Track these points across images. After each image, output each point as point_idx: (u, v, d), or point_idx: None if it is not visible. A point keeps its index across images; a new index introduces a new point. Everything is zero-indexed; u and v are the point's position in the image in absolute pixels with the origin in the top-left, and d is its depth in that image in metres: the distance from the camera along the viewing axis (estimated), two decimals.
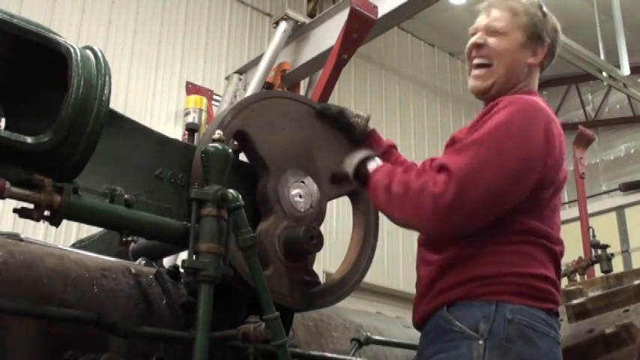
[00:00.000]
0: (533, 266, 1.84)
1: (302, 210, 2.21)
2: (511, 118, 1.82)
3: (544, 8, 2.08)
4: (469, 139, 1.85)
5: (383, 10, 5.51)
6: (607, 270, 5.02)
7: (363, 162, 2.11)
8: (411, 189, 1.83)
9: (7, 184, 1.59)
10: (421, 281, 1.97)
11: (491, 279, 1.80)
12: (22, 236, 2.18)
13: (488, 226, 1.82)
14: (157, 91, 8.95)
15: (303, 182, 2.24)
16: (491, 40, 2.02)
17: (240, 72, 7.77)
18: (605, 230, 9.05)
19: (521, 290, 1.80)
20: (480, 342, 1.73)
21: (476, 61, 2.06)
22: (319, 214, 2.27)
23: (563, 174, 1.95)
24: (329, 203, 2.36)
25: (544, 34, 2.04)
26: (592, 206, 8.63)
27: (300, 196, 2.22)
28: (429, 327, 1.88)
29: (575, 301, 3.04)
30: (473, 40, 2.07)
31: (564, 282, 5.58)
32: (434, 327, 1.86)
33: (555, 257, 1.92)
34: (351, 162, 2.12)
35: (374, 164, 2.09)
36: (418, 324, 1.97)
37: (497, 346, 1.72)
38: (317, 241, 2.11)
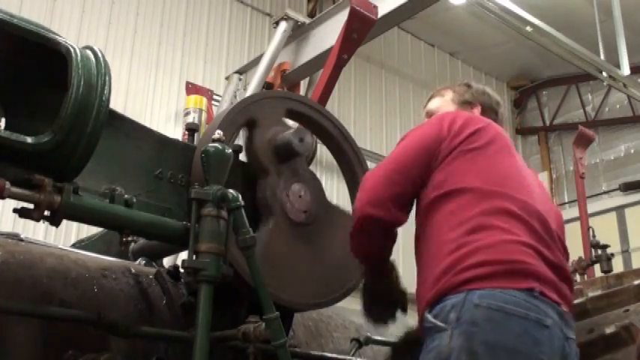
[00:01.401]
0: (494, 235, 1.81)
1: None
2: (412, 132, 2.12)
3: (470, 82, 2.46)
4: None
5: (383, 10, 5.51)
6: (607, 270, 5.02)
7: None
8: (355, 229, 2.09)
9: (7, 184, 1.59)
10: (416, 291, 2.01)
11: (456, 266, 1.80)
12: (22, 236, 2.18)
13: (441, 211, 1.91)
14: (157, 91, 8.95)
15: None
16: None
17: (240, 72, 7.78)
18: (605, 230, 9.05)
19: (489, 270, 1.76)
20: (449, 330, 1.75)
21: None
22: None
23: (482, 135, 2.01)
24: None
25: (472, 98, 2.38)
26: (592, 206, 8.63)
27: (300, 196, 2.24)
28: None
29: (575, 301, 3.04)
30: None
31: None
32: (424, 331, 1.88)
33: (523, 220, 1.86)
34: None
35: None
36: (421, 336, 1.96)
37: (463, 332, 1.72)
38: (306, 141, 2.27)
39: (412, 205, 2.05)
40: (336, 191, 8.32)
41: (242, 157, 2.31)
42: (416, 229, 2.04)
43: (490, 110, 2.37)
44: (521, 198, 1.90)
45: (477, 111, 2.32)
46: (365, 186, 2.03)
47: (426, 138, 2.03)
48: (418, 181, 1.99)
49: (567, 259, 2.03)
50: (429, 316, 1.83)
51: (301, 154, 2.32)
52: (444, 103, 2.39)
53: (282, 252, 2.19)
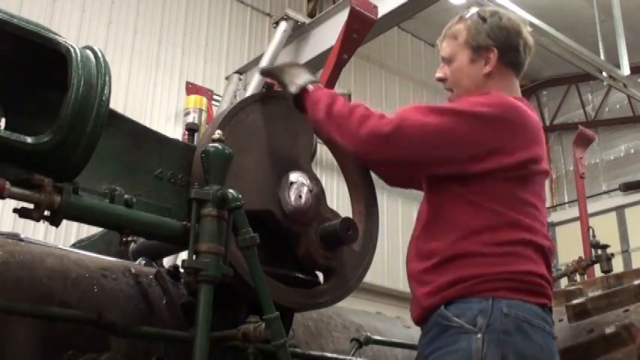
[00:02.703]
0: (524, 264, 1.89)
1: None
2: (461, 105, 1.99)
3: (485, 13, 2.16)
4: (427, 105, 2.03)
5: (383, 10, 5.52)
6: (607, 270, 5.01)
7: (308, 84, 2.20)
8: (356, 113, 2.01)
9: (7, 184, 1.59)
10: (417, 277, 1.99)
11: (486, 277, 1.85)
12: (22, 236, 2.18)
13: (478, 220, 1.91)
14: (157, 91, 8.95)
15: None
16: (447, 70, 2.19)
17: (240, 72, 7.78)
18: (605, 230, 9.04)
19: (516, 286, 1.85)
20: (479, 335, 1.77)
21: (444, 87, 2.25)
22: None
23: (535, 166, 1.99)
24: (329, 195, 2.40)
25: (487, 41, 2.11)
26: (592, 206, 8.62)
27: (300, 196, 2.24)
28: (429, 325, 1.91)
29: (575, 301, 3.04)
30: (436, 75, 2.25)
31: (564, 282, 5.59)
32: (433, 325, 1.88)
33: (544, 252, 1.95)
34: (297, 82, 2.20)
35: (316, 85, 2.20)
36: (417, 321, 2.00)
37: (495, 339, 1.77)
38: (353, 233, 2.23)
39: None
40: (336, 191, 8.33)
41: None
42: (431, 209, 2.03)
43: (510, 50, 2.12)
44: (541, 230, 1.97)
45: (493, 57, 2.10)
46: (400, 132, 1.93)
47: (477, 143, 1.93)
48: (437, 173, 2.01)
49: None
50: (449, 314, 1.84)
51: (348, 245, 2.28)
52: (458, 48, 2.15)
53: None
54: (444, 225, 1.96)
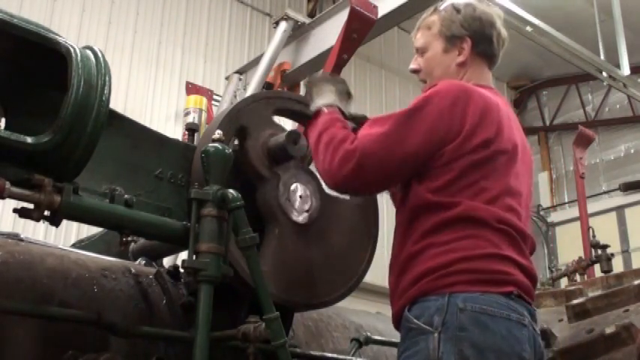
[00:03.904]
0: (481, 247, 1.86)
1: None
2: (417, 103, 1.97)
3: (459, 4, 2.16)
4: (386, 115, 2.02)
5: (383, 10, 5.51)
6: (607, 270, 5.02)
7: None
8: (331, 146, 1.98)
9: (7, 184, 1.59)
10: (389, 281, 2.02)
11: (441, 270, 1.84)
12: (22, 236, 2.18)
13: (432, 216, 1.90)
14: (157, 91, 8.95)
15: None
16: (420, 60, 2.20)
17: (240, 72, 7.77)
18: (605, 230, 9.05)
19: (473, 278, 1.82)
20: (435, 335, 1.78)
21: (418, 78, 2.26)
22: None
23: (494, 143, 1.94)
24: None
25: (461, 31, 2.12)
26: (592, 206, 8.62)
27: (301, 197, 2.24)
28: (401, 329, 1.93)
29: (575, 301, 3.04)
30: (409, 67, 2.25)
31: (564, 282, 5.59)
32: (402, 328, 1.91)
33: (507, 233, 1.90)
34: (317, 102, 2.19)
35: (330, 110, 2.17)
36: (394, 325, 2.02)
37: (452, 336, 1.76)
38: (300, 144, 2.21)
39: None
40: None
41: None
42: (400, 217, 2.04)
43: (484, 40, 2.13)
44: (509, 217, 1.92)
45: (466, 47, 2.11)
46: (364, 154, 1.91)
47: (435, 133, 1.91)
48: (412, 172, 1.96)
49: (533, 246, 2.05)
50: (410, 316, 1.85)
51: (296, 157, 2.26)
52: (431, 38, 2.16)
53: (291, 258, 2.18)
54: (406, 232, 1.98)
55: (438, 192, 1.92)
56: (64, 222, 1.76)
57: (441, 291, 1.82)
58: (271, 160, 2.23)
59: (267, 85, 6.64)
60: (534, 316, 1.92)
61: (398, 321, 1.95)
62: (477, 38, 2.13)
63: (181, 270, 2.06)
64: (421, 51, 2.19)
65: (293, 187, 2.23)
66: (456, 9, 2.15)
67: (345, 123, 2.10)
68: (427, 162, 1.93)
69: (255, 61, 7.29)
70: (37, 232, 6.62)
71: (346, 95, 2.22)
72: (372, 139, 1.92)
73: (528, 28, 7.79)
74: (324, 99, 2.17)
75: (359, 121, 2.22)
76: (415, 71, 2.22)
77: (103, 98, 1.72)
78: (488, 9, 2.20)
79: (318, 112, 2.14)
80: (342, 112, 2.17)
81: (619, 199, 12.16)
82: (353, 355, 2.54)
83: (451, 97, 1.95)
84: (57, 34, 1.76)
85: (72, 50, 1.71)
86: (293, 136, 2.22)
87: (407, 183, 2.01)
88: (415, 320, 1.83)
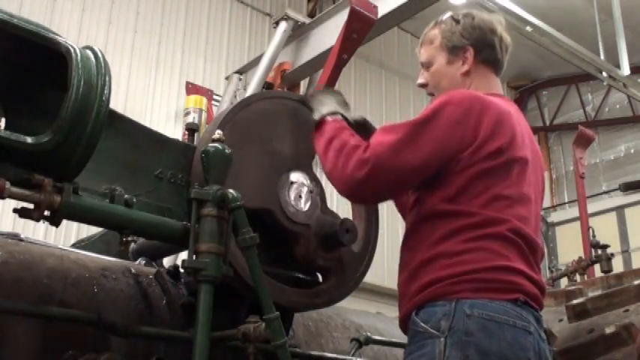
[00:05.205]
0: (491, 259, 1.88)
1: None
2: (429, 111, 1.97)
3: (458, 15, 2.21)
4: (399, 123, 2.02)
5: (383, 10, 5.51)
6: (607, 270, 5.02)
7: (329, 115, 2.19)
8: (343, 152, 1.99)
9: (7, 184, 1.59)
10: (399, 284, 2.05)
11: (451, 278, 1.87)
12: (22, 236, 2.18)
13: (444, 224, 1.92)
14: (157, 91, 8.95)
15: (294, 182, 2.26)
16: (426, 75, 2.24)
17: (240, 72, 7.77)
18: (605, 230, 9.06)
19: (480, 286, 1.85)
20: (442, 339, 1.81)
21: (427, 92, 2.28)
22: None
23: (508, 151, 1.95)
24: (329, 196, 2.39)
25: (462, 41, 2.16)
26: (592, 206, 8.63)
27: (300, 197, 2.24)
28: (408, 331, 1.96)
29: (575, 301, 3.04)
30: (417, 82, 2.28)
31: (564, 282, 5.59)
32: (409, 332, 1.94)
33: (518, 245, 1.92)
34: (320, 110, 2.20)
35: (334, 117, 2.18)
36: (402, 330, 2.05)
37: (458, 341, 1.79)
38: (351, 234, 2.23)
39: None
40: (336, 192, 8.32)
41: None
42: (412, 223, 2.06)
43: (486, 47, 2.16)
44: (519, 225, 1.94)
45: (469, 56, 2.14)
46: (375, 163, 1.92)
47: (448, 141, 1.93)
48: (424, 180, 1.98)
49: (542, 255, 2.08)
50: (418, 320, 1.88)
51: (346, 246, 2.27)
52: (434, 52, 2.20)
53: None
54: (418, 238, 2.00)
55: (451, 200, 1.93)
56: (64, 222, 1.76)
57: (448, 297, 1.85)
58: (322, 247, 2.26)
59: (267, 85, 6.64)
60: (540, 321, 1.93)
61: (405, 324, 1.97)
62: (479, 46, 2.15)
63: (181, 270, 2.06)
64: (426, 65, 2.22)
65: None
66: (455, 20, 2.19)
67: (352, 131, 2.11)
68: (440, 169, 1.94)
69: (255, 61, 7.28)
70: (37, 232, 6.62)
71: (345, 105, 2.24)
72: (386, 147, 1.93)
73: (528, 28, 7.79)
74: (327, 107, 2.18)
75: (359, 125, 2.24)
76: (423, 85, 2.25)
77: (103, 98, 1.72)
78: (488, 16, 2.23)
79: (323, 121, 2.16)
80: (346, 119, 2.18)
81: (619, 199, 12.17)
82: (353, 355, 2.54)
83: (465, 105, 1.96)
84: (57, 34, 1.76)
85: (72, 50, 1.71)
86: (346, 224, 2.25)
87: (419, 189, 2.03)
88: (422, 324, 1.86)
